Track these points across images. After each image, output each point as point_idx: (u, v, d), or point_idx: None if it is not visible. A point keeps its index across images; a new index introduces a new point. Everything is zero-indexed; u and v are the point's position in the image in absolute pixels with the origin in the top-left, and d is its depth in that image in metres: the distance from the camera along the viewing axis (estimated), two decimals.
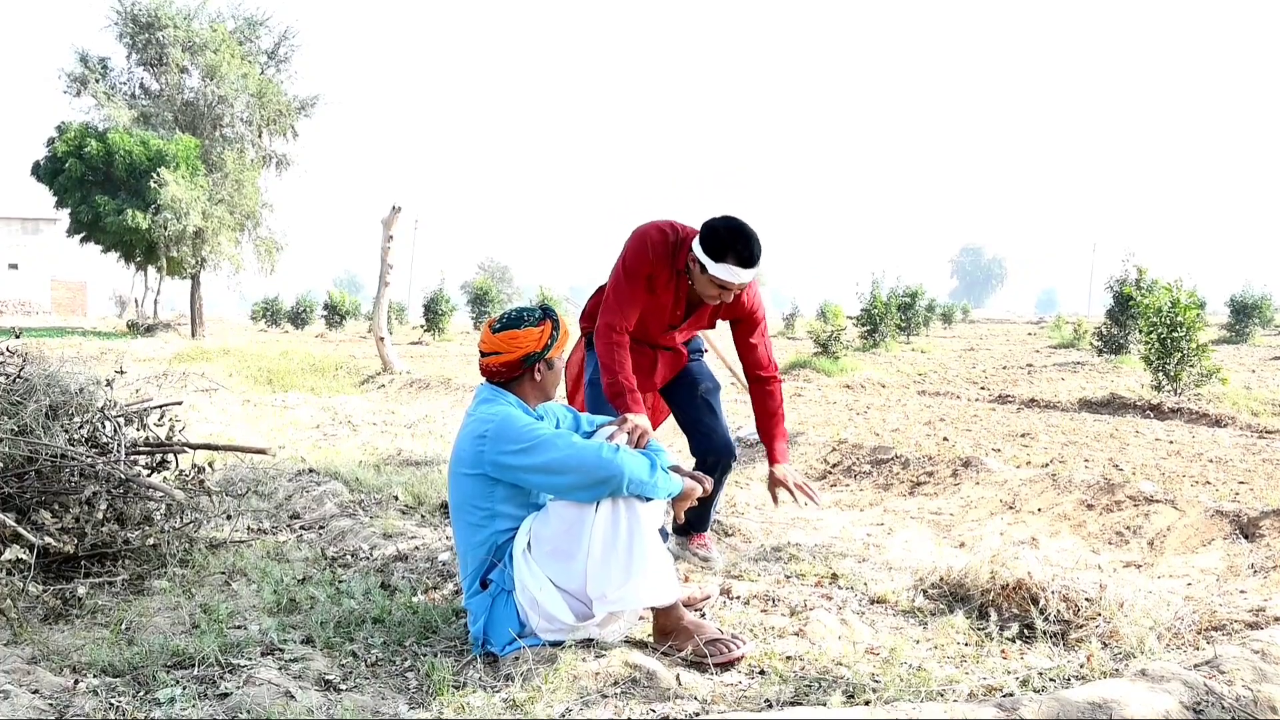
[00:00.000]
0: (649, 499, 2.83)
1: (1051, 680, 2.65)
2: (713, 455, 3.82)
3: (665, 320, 3.70)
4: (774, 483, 3.66)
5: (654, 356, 3.84)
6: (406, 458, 7.11)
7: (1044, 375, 15.23)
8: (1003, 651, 2.89)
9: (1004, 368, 16.92)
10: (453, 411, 10.77)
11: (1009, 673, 2.68)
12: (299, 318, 47.17)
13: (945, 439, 7.72)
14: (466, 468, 2.92)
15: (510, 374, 3.02)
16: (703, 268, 3.37)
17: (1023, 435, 8.02)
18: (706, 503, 3.96)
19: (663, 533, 3.86)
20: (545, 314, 3.04)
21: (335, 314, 41.34)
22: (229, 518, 4.65)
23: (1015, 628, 3.05)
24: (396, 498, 5.30)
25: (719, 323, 3.82)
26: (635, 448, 2.98)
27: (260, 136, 35.45)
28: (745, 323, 3.75)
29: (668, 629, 2.91)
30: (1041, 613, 3.05)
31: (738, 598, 3.50)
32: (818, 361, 16.56)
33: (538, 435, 2.80)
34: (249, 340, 27.99)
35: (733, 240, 3.30)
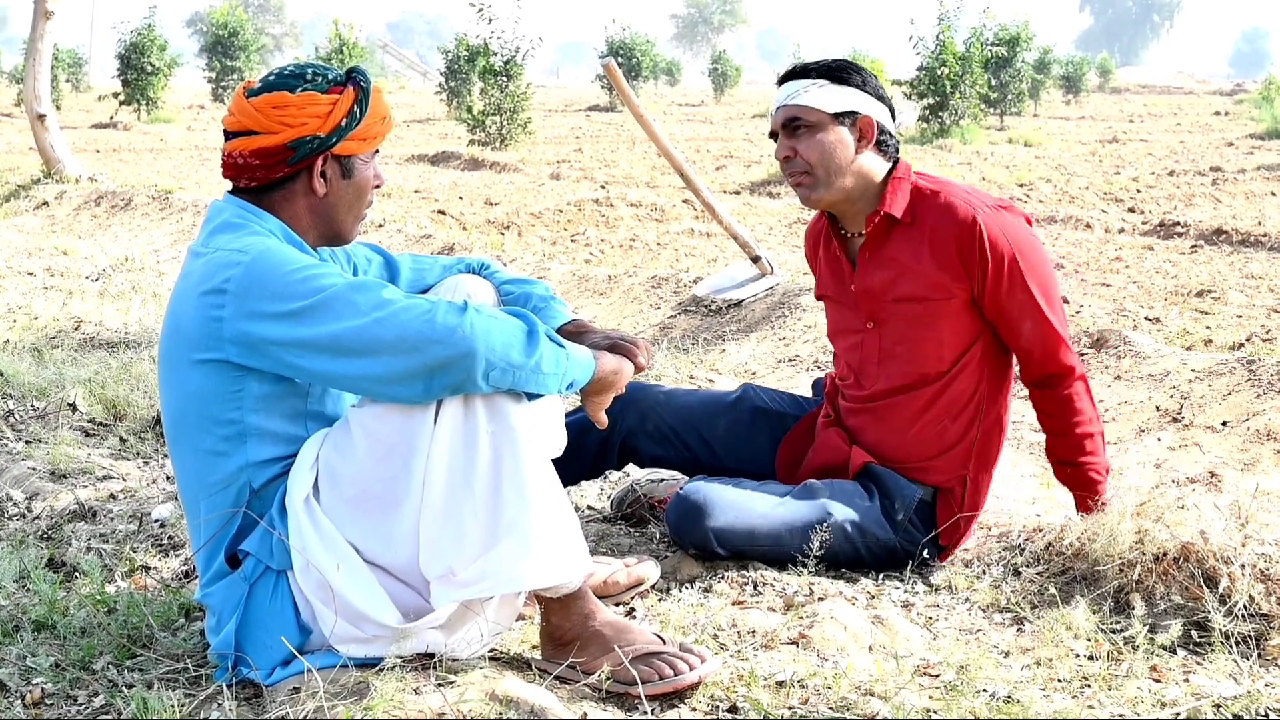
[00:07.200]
0: (530, 395, 1.85)
1: (1238, 718, 1.98)
2: None
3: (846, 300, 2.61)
4: None
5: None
6: (91, 335, 5.04)
7: (1242, 186, 10.58)
8: (1153, 669, 2.13)
9: (1170, 173, 11.72)
10: (174, 250, 7.86)
11: (1164, 704, 1.98)
12: None
13: (1064, 299, 5.70)
14: (193, 350, 1.85)
15: (269, 175, 1.93)
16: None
17: (1200, 293, 5.93)
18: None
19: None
20: (349, 78, 1.96)
21: None
22: None
23: (1177, 627, 2.25)
24: (74, 407, 3.82)
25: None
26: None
27: None
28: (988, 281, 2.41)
29: (568, 635, 1.97)
30: (1223, 602, 2.29)
31: (692, 580, 2.51)
32: None
33: (321, 285, 1.77)
34: None
35: None
